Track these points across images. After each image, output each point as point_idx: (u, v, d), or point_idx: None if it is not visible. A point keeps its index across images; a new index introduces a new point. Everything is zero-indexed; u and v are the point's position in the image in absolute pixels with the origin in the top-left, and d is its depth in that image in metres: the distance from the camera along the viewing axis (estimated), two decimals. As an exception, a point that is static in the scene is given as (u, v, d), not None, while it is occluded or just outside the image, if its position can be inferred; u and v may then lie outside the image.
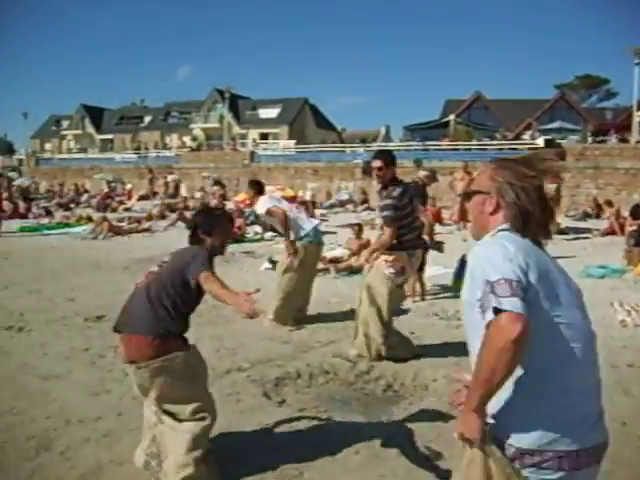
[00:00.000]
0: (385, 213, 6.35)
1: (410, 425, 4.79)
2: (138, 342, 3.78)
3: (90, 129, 72.41)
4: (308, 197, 27.33)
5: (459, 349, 6.76)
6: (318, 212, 24.60)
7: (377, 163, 6.47)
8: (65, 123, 74.98)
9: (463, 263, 10.45)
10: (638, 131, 32.56)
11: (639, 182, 24.47)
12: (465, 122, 40.86)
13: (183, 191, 32.77)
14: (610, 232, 17.90)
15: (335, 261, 12.08)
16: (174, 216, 21.59)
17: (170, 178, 34.10)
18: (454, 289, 9.89)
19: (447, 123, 37.51)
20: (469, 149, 32.31)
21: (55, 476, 4.00)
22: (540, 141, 30.53)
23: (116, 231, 18.23)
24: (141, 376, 3.80)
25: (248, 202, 20.08)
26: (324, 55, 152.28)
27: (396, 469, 4.09)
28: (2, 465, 4.13)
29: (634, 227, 13.95)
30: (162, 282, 3.89)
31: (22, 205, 25.42)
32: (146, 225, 20.13)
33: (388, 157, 6.58)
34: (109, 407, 5.07)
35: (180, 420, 3.83)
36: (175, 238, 16.62)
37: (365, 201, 27.88)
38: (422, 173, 12.60)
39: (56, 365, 6.20)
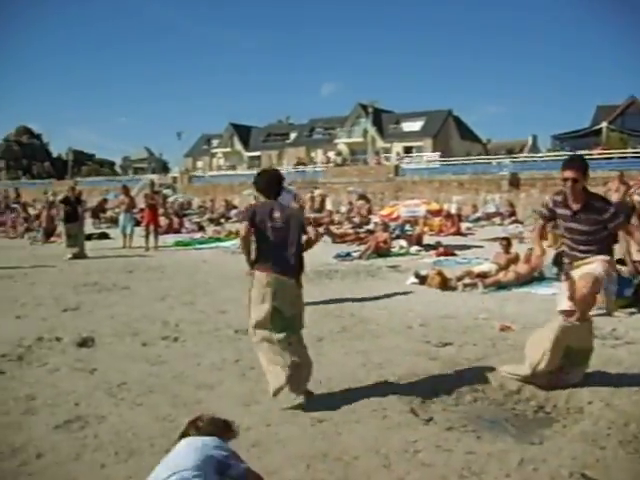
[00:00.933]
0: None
1: (564, 449, 4.56)
2: None
3: (238, 146, 75.27)
4: (454, 210, 26.97)
5: (617, 370, 6.44)
6: (464, 225, 24.25)
7: (570, 173, 5.65)
8: (215, 142, 78.37)
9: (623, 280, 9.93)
10: None
11: None
12: (619, 129, 38.88)
13: (329, 205, 33.26)
14: None
15: (483, 276, 11.81)
16: (320, 230, 21.95)
17: (316, 193, 34.72)
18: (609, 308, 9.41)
19: (599, 131, 35.92)
20: (624, 157, 30.75)
21: (208, 484, 4.12)
22: None
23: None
24: None
25: (394, 216, 20.25)
26: (466, 64, 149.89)
27: (550, 495, 3.91)
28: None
29: None
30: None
31: (176, 220, 26.75)
32: (294, 239, 20.54)
33: (583, 165, 5.80)
34: (258, 418, 5.18)
35: None
36: (321, 252, 16.89)
37: (512, 214, 27.15)
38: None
39: (209, 375, 6.44)
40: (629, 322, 8.64)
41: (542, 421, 5.34)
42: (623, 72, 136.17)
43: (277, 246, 5.63)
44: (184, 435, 3.53)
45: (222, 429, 3.64)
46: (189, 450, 3.27)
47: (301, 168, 49.70)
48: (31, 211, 31.72)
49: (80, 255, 17.03)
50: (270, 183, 5.91)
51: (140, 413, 5.38)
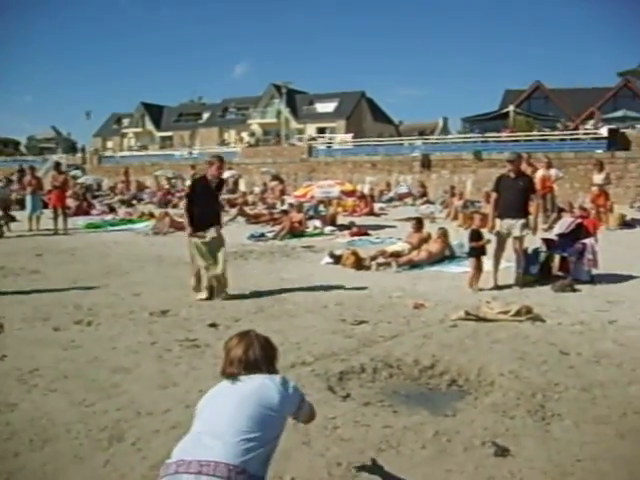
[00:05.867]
0: None
1: (476, 420, 4.74)
2: None
3: (150, 127, 73.72)
4: (367, 191, 27.29)
5: (524, 343, 6.72)
6: (377, 206, 24.58)
7: None
8: (126, 121, 76.53)
9: (529, 257, 10.32)
10: None
11: None
12: (525, 112, 40.11)
13: (242, 186, 33.09)
14: (679, 223, 17.41)
15: (396, 255, 12.02)
16: (234, 211, 21.83)
17: (229, 174, 34.40)
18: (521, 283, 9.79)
19: (507, 114, 36.90)
20: (530, 140, 31.77)
21: (127, 466, 4.09)
22: (604, 131, 29.84)
23: (178, 227, 18.45)
24: None
25: (308, 197, 20.34)
26: (380, 47, 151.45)
27: (463, 464, 4.06)
28: (77, 455, 4.24)
29: None
30: None
31: (85, 202, 26.04)
32: (207, 220, 20.34)
33: None
34: (177, 400, 5.15)
35: None
36: (235, 232, 16.83)
37: (424, 194, 27.70)
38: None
39: (124, 359, 6.34)
40: (534, 298, 8.98)
41: (455, 394, 5.52)
42: (529, 57, 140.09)
43: None
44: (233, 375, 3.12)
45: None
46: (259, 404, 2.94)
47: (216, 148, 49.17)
48: None
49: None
50: None
51: (54, 399, 5.25)
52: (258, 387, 3.01)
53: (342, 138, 45.75)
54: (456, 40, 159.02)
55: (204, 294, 9.08)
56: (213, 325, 7.54)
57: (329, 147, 40.30)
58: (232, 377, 3.11)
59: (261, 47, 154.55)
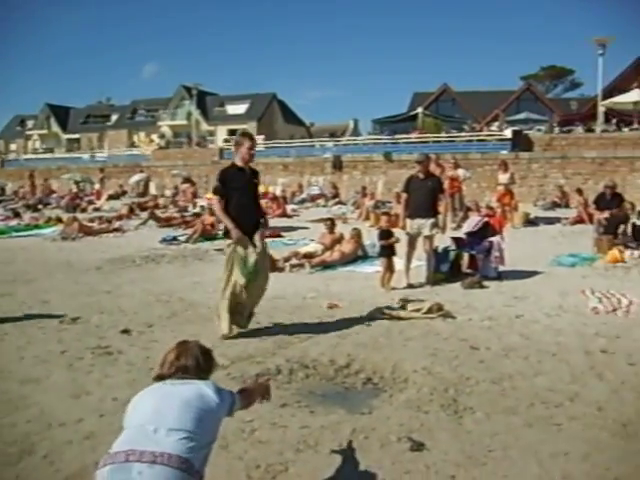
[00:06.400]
0: None
1: (392, 417, 4.83)
2: None
3: (56, 128, 71.65)
4: (279, 192, 27.33)
5: (436, 340, 6.89)
6: (289, 207, 24.64)
7: None
8: (30, 123, 74.08)
9: (439, 256, 10.57)
10: (603, 120, 32.99)
11: (605, 171, 24.80)
12: (433, 114, 40.98)
13: (153, 189, 32.56)
14: (579, 221, 18.18)
15: (309, 256, 12.09)
16: (145, 215, 21.47)
17: (139, 177, 33.80)
18: (431, 281, 10.02)
19: (415, 116, 37.60)
20: (438, 141, 32.49)
21: (39, 480, 3.98)
22: (508, 132, 30.82)
23: (87, 231, 18.06)
24: None
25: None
26: (290, 49, 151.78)
27: (380, 460, 4.13)
28: (-15, 471, 4.10)
29: (605, 215, 14.15)
30: None
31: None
32: (117, 225, 19.96)
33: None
34: (90, 409, 5.04)
35: None
36: (147, 237, 16.58)
37: (336, 195, 27.93)
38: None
39: (33, 369, 6.14)
40: (445, 295, 9.21)
41: (371, 392, 5.60)
42: (437, 61, 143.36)
43: None
44: (163, 377, 3.26)
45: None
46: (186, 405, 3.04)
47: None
48: None
49: None
50: None
51: (-41, 412, 5.05)
52: (198, 392, 3.12)
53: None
54: (365, 43, 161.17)
55: (235, 327, 7.20)
56: (126, 331, 7.40)
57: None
58: (163, 379, 3.22)
59: (170, 47, 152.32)
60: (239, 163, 7.18)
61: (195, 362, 3.32)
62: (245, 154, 7.14)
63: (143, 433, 2.92)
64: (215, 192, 7.24)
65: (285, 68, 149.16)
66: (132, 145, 56.06)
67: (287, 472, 4.04)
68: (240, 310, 7.12)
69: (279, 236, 16.79)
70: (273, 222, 19.56)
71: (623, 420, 4.75)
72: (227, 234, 7.13)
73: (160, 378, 3.25)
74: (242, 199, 7.07)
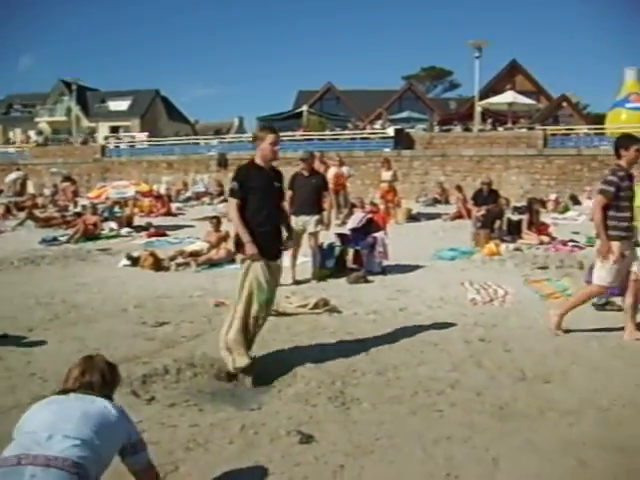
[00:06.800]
0: None
1: (281, 411, 4.90)
2: None
3: None
4: (163, 191, 26.89)
5: (322, 334, 7.01)
6: (174, 206, 24.31)
7: None
8: None
9: (325, 252, 10.73)
10: (480, 120, 34.38)
11: (482, 168, 25.86)
12: (318, 113, 41.38)
13: (30, 188, 31.26)
14: (458, 216, 18.90)
15: (195, 255, 12.01)
16: (22, 215, 20.62)
17: (15, 175, 32.33)
18: (317, 277, 10.16)
19: (300, 114, 37.82)
20: (323, 139, 32.83)
21: None
22: (390, 130, 31.53)
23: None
24: None
25: (103, 198, 19.70)
26: (174, 45, 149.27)
27: (271, 455, 4.18)
28: None
29: (482, 212, 14.81)
30: None
31: None
32: (-9, 225, 19.06)
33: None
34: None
35: None
36: (25, 238, 15.95)
37: (221, 193, 27.71)
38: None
39: None
40: (331, 291, 9.36)
41: (259, 388, 5.63)
42: (321, 59, 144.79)
43: None
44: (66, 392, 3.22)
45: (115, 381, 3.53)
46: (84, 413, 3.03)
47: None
48: None
49: None
50: None
51: None
52: (100, 406, 3.14)
53: (137, 137, 44.58)
54: (250, 40, 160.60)
55: (247, 357, 5.81)
56: (4, 336, 7.10)
57: (132, 146, 39.02)
58: (66, 393, 3.20)
59: (47, 39, 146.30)
60: (259, 162, 6.14)
61: (101, 378, 3.33)
62: (267, 151, 6.08)
63: (35, 440, 2.88)
64: (231, 194, 6.07)
65: (169, 64, 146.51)
66: (7, 142, 53.58)
67: (177, 471, 4.02)
68: (250, 338, 5.98)
69: (164, 235, 16.57)
70: (157, 221, 19.32)
71: (500, 403, 5.02)
72: (239, 246, 5.96)
73: (63, 392, 3.23)
74: (261, 204, 5.96)
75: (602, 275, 6.82)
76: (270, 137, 6.04)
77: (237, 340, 5.73)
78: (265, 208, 5.95)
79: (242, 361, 5.69)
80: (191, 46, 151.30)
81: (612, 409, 4.96)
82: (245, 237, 5.77)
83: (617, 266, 6.72)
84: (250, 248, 5.72)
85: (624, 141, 6.97)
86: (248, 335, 5.86)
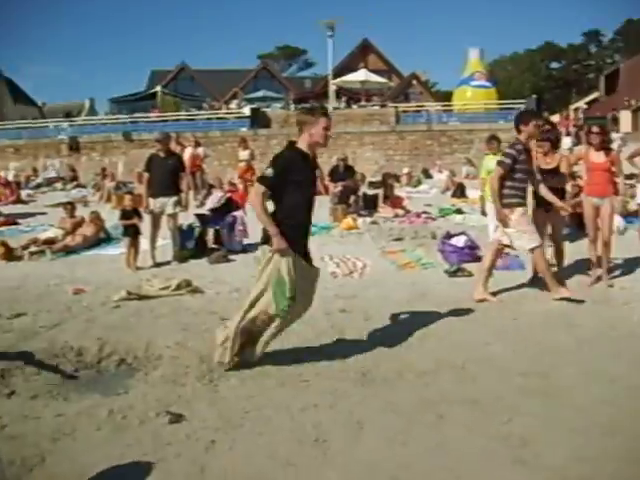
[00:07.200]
0: None
1: (149, 394, 4.88)
2: None
3: None
4: (11, 178, 25.56)
5: (187, 316, 7.02)
6: (24, 193, 23.22)
7: None
8: None
9: (184, 233, 10.67)
10: (335, 98, 34.94)
11: (338, 145, 26.34)
12: (172, 93, 40.59)
13: None
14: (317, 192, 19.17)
15: (50, 242, 11.58)
16: None
17: None
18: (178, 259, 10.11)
19: (154, 94, 37.00)
20: (178, 120, 32.30)
21: None
22: (246, 110, 31.47)
23: None
24: None
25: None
26: (10, 19, 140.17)
27: (141, 437, 4.16)
28: None
29: (339, 188, 15.18)
30: None
31: None
32: None
33: None
34: None
35: None
36: None
37: (75, 178, 26.73)
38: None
39: None
40: (193, 271, 9.33)
41: (125, 373, 5.60)
42: (175, 39, 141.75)
43: None
44: None
45: None
46: None
47: None
48: None
49: None
50: None
51: None
52: None
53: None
54: (95, 19, 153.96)
55: (230, 357, 5.36)
56: None
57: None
58: None
59: None
60: (306, 149, 5.34)
61: None
62: (319, 137, 5.28)
63: None
64: (261, 180, 5.28)
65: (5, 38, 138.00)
66: None
67: (44, 462, 3.92)
68: (253, 340, 5.45)
69: (15, 223, 15.82)
70: (7, 209, 18.40)
71: (363, 370, 5.26)
72: (267, 239, 5.21)
73: None
74: (302, 200, 5.31)
75: (526, 241, 7.33)
76: (323, 120, 5.26)
77: (236, 330, 5.26)
78: (306, 204, 5.36)
79: (225, 356, 5.30)
80: (31, 21, 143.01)
81: (466, 366, 5.31)
82: (272, 229, 5.10)
83: (531, 227, 7.39)
84: (278, 243, 5.07)
85: (524, 116, 7.62)
86: (252, 335, 5.40)
